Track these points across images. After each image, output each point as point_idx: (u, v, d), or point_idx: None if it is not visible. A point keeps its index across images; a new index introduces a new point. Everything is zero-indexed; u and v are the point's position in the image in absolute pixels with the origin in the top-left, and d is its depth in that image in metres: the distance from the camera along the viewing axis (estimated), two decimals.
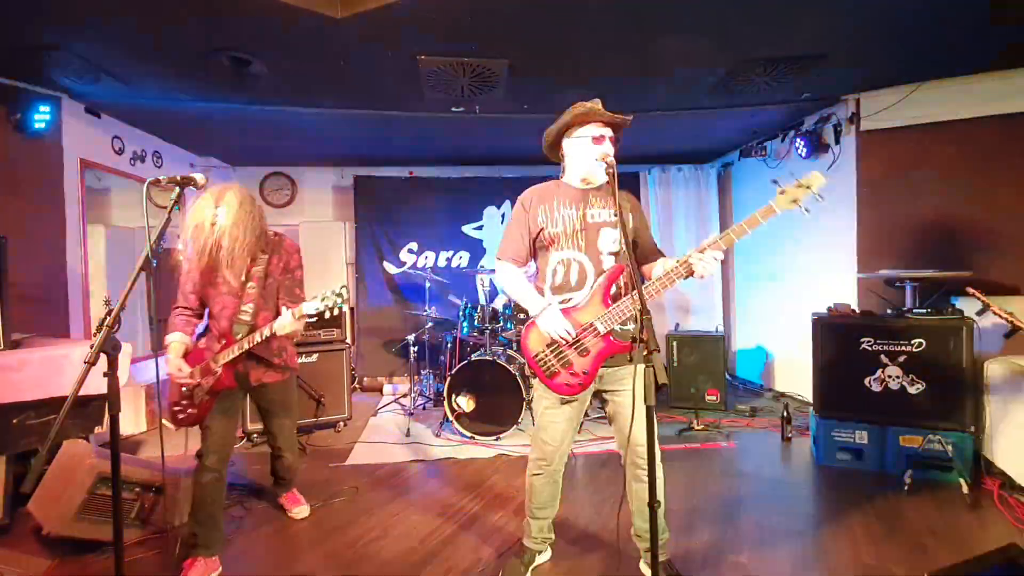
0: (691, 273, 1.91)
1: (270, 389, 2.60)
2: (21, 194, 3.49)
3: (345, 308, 2.35)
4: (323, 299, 2.30)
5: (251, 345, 2.35)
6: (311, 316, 2.32)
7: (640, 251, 2.23)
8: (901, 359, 3.28)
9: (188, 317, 2.46)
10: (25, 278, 3.41)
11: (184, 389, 2.38)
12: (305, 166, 6.14)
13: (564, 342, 2.05)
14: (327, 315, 2.33)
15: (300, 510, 2.94)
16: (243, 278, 2.41)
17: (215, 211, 2.25)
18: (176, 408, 2.39)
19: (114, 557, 1.57)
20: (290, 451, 2.88)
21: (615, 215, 2.06)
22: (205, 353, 2.40)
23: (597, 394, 2.24)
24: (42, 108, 3.47)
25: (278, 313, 2.43)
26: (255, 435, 4.02)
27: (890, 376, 3.30)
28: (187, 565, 2.29)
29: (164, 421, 2.37)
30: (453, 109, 4.15)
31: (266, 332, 2.33)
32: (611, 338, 2.04)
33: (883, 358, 3.32)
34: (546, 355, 2.09)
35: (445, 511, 2.95)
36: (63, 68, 3.30)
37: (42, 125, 3.49)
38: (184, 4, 2.63)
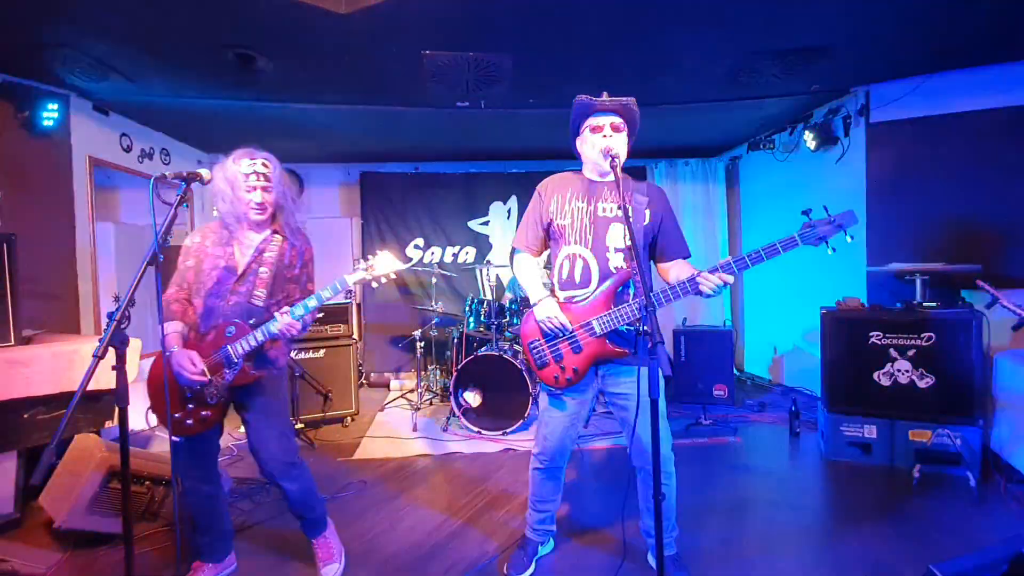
0: (698, 292, 1.88)
1: (247, 390, 2.12)
2: (30, 191, 3.52)
3: (352, 303, 2.18)
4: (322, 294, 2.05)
5: (283, 332, 2.01)
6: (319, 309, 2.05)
7: (660, 249, 2.16)
8: (910, 353, 3.25)
9: (184, 301, 2.12)
10: (35, 275, 3.45)
11: (188, 392, 2.04)
12: (312, 163, 6.15)
13: (557, 334, 2.05)
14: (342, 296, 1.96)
15: (331, 569, 2.30)
16: (252, 260, 2.11)
17: (256, 163, 2.09)
18: (178, 415, 2.05)
19: (124, 550, 1.59)
20: (285, 478, 2.16)
21: (625, 209, 2.05)
22: (203, 345, 2.04)
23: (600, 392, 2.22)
24: (50, 106, 3.49)
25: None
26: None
27: (899, 370, 3.28)
28: (196, 567, 2.25)
29: (168, 435, 2.12)
30: (459, 104, 4.13)
31: (278, 326, 2.00)
32: (607, 341, 2.02)
33: (892, 352, 3.29)
34: (540, 345, 2.11)
35: (451, 505, 2.96)
36: (71, 66, 3.31)
37: (50, 123, 3.50)
38: (190, 1, 2.63)
